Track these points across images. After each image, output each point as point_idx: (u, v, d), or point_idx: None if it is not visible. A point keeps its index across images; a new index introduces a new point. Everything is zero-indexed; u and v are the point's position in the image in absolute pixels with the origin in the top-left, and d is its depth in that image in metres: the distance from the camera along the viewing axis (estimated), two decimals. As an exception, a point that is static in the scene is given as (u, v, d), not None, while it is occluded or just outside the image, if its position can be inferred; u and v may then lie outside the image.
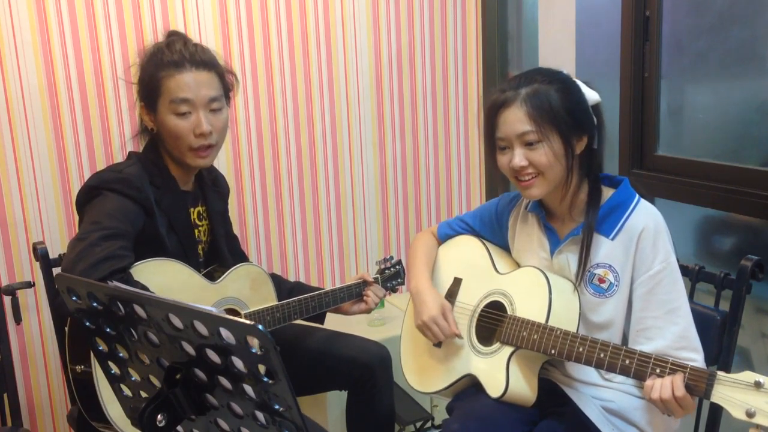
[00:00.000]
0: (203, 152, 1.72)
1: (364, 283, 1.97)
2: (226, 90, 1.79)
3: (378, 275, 2.04)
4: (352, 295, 1.95)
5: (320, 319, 1.98)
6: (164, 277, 1.63)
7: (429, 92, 2.79)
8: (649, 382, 1.30)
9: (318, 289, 1.93)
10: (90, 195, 1.65)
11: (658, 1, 2.12)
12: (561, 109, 1.46)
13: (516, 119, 1.46)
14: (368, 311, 1.99)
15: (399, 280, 2.10)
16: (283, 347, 1.88)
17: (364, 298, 1.96)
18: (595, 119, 1.52)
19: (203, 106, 1.69)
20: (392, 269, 2.08)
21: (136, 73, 1.77)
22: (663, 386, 1.27)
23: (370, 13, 2.62)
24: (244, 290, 1.80)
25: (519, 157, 1.47)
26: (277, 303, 1.82)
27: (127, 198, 1.63)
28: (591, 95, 1.52)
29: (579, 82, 1.52)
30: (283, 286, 1.96)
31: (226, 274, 1.77)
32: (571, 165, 1.49)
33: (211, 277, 1.77)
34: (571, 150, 1.48)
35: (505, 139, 1.49)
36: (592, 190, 1.52)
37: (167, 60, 1.69)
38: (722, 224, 2.20)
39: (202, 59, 1.72)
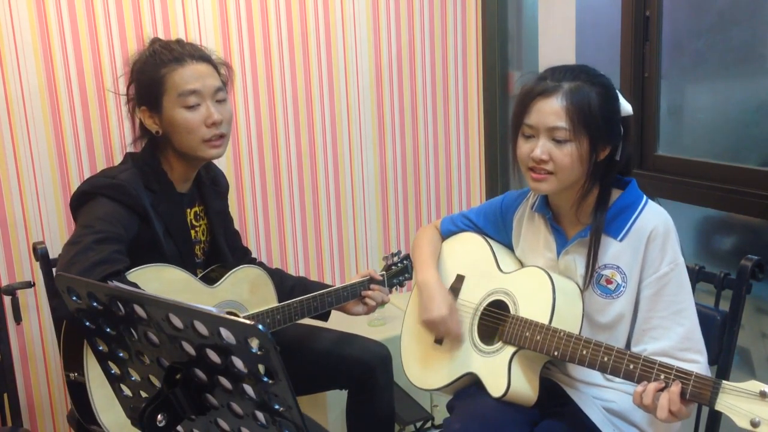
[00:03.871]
0: (216, 141, 1.72)
1: (371, 281, 1.95)
2: (224, 83, 1.80)
3: (384, 272, 2.01)
4: (356, 294, 1.92)
5: (324, 316, 1.97)
6: (161, 283, 1.62)
7: (429, 92, 2.79)
8: (639, 389, 1.30)
9: (322, 285, 1.91)
10: (82, 200, 1.65)
11: (658, 1, 2.12)
12: (598, 114, 1.43)
13: (552, 111, 1.43)
14: (370, 312, 1.96)
15: (407, 275, 2.05)
16: (283, 347, 1.88)
17: (365, 299, 1.93)
18: (622, 131, 1.50)
19: (210, 96, 1.71)
20: (399, 265, 2.04)
21: (127, 81, 1.78)
22: (660, 407, 1.26)
23: (370, 13, 2.62)
24: (243, 293, 1.79)
25: (541, 149, 1.45)
26: (277, 305, 1.81)
27: (119, 204, 1.62)
28: (625, 107, 1.50)
29: (617, 92, 1.50)
30: (285, 283, 1.95)
31: (224, 277, 1.76)
32: (590, 171, 1.47)
33: (210, 280, 1.76)
34: (595, 157, 1.46)
35: (534, 127, 1.46)
36: (602, 193, 1.51)
37: (167, 58, 1.69)
38: (722, 224, 2.20)
39: (200, 54, 1.74)
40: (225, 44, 2.39)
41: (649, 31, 2.15)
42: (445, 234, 1.84)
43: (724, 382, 1.22)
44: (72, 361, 1.58)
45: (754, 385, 1.18)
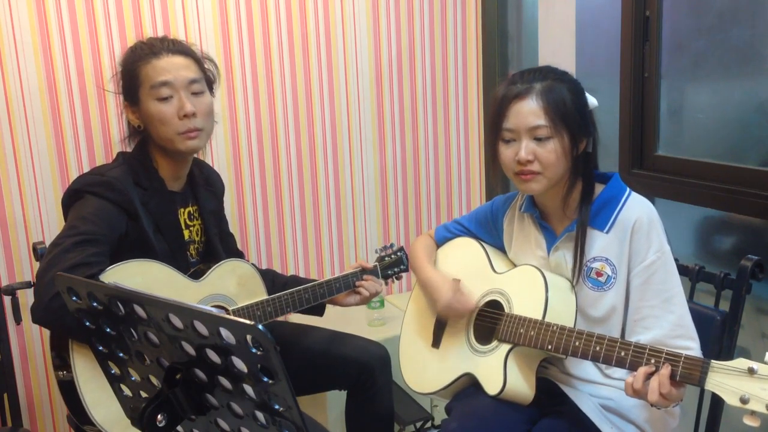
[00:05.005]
0: (192, 134, 1.71)
1: (362, 272, 1.95)
2: (207, 78, 1.79)
3: (377, 263, 2.01)
4: (348, 285, 1.92)
5: (319, 311, 1.96)
6: (144, 278, 1.62)
7: (429, 92, 2.79)
8: (629, 379, 1.31)
9: (314, 281, 1.92)
10: (72, 198, 1.66)
11: (658, 1, 2.12)
12: (573, 108, 1.48)
13: (530, 112, 1.46)
14: (363, 303, 1.96)
15: (402, 266, 2.03)
16: (283, 347, 1.87)
17: (359, 289, 1.93)
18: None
19: (184, 88, 1.70)
20: (393, 256, 2.03)
21: (117, 79, 1.79)
22: (651, 390, 1.27)
23: (370, 13, 2.62)
24: (230, 287, 1.78)
25: (525, 150, 1.47)
26: (267, 297, 1.81)
27: (107, 201, 1.63)
28: (590, 100, 1.54)
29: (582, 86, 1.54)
30: (277, 281, 1.95)
31: (209, 271, 1.76)
32: (572, 165, 1.50)
33: (196, 275, 1.75)
34: (576, 150, 1.49)
35: (514, 130, 1.49)
36: (585, 187, 1.54)
37: (144, 52, 1.71)
38: (722, 224, 2.20)
39: (179, 48, 1.74)
40: (225, 44, 2.39)
41: (649, 31, 2.15)
42: (440, 241, 1.85)
43: (713, 361, 1.23)
44: (59, 360, 1.58)
45: (742, 363, 1.19)
